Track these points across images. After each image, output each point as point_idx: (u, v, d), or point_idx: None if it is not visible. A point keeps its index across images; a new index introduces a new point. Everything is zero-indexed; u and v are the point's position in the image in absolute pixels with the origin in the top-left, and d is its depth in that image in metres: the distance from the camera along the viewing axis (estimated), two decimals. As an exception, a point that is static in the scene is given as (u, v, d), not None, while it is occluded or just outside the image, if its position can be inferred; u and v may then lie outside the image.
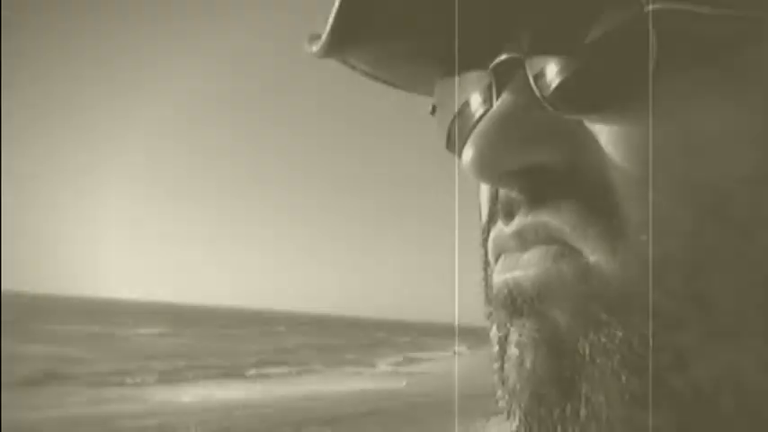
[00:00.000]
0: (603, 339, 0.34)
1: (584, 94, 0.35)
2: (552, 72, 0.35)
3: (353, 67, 0.45)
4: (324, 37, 0.39)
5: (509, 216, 0.38)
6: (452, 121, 0.45)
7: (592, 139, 0.35)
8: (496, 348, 0.40)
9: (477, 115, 0.42)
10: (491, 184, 0.40)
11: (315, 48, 0.40)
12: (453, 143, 0.46)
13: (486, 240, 0.42)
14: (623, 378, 0.33)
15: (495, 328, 0.40)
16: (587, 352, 0.34)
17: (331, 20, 0.37)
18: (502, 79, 0.40)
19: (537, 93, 0.36)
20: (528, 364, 0.36)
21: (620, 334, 0.33)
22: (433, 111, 0.48)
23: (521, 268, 0.37)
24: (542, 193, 0.36)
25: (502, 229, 0.39)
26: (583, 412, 0.34)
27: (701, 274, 0.33)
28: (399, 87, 0.49)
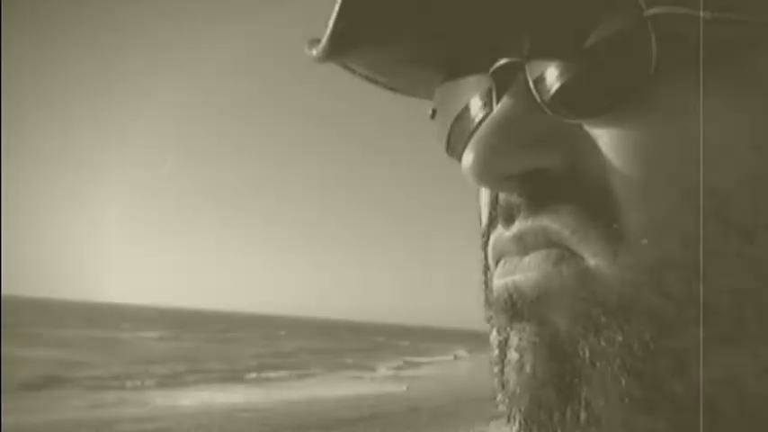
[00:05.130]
0: (603, 343, 0.34)
1: (584, 98, 0.35)
2: (552, 76, 0.36)
3: (353, 71, 0.45)
4: (324, 41, 0.39)
5: (509, 220, 0.38)
6: (452, 126, 0.45)
7: (592, 144, 0.35)
8: (497, 352, 0.40)
9: (477, 119, 0.42)
10: (491, 188, 0.40)
11: (315, 52, 0.40)
12: (454, 147, 0.46)
13: (486, 244, 0.42)
14: (623, 382, 0.33)
15: (495, 331, 0.40)
16: (587, 356, 0.34)
17: (331, 24, 0.37)
18: (502, 83, 0.40)
19: (537, 97, 0.36)
20: (528, 367, 0.36)
21: (620, 338, 0.33)
22: (434, 115, 0.48)
23: (521, 272, 0.37)
24: (542, 197, 0.36)
25: (502, 232, 0.39)
26: (583, 416, 0.34)
27: (701, 278, 0.33)
28: (399, 91, 0.49)
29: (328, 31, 0.38)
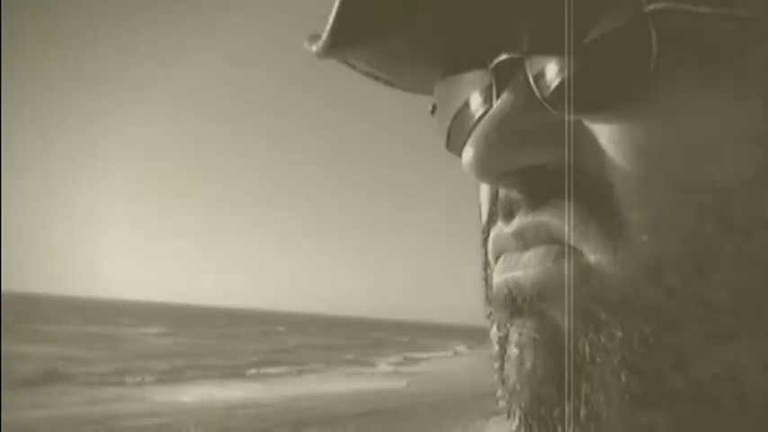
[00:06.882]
0: (603, 339, 0.34)
1: (584, 94, 0.35)
2: (552, 72, 0.35)
3: (353, 67, 0.45)
4: (324, 37, 0.39)
5: (509, 216, 0.38)
6: (452, 121, 0.45)
7: (592, 140, 0.35)
8: (497, 348, 0.40)
9: (478, 115, 0.42)
10: (491, 184, 0.40)
11: (315, 48, 0.40)
12: (453, 143, 0.46)
13: (486, 240, 0.42)
14: (623, 377, 0.33)
15: (495, 327, 0.40)
16: (587, 352, 0.34)
17: (331, 20, 0.37)
18: (502, 79, 0.40)
19: (537, 93, 0.36)
20: (528, 363, 0.36)
21: (620, 333, 0.33)
22: (434, 110, 0.48)
23: (521, 268, 0.37)
24: (542, 193, 0.36)
25: (502, 228, 0.39)
26: (583, 412, 0.34)
27: (701, 274, 0.33)
28: (399, 87, 0.49)
29: (328, 26, 0.38)
